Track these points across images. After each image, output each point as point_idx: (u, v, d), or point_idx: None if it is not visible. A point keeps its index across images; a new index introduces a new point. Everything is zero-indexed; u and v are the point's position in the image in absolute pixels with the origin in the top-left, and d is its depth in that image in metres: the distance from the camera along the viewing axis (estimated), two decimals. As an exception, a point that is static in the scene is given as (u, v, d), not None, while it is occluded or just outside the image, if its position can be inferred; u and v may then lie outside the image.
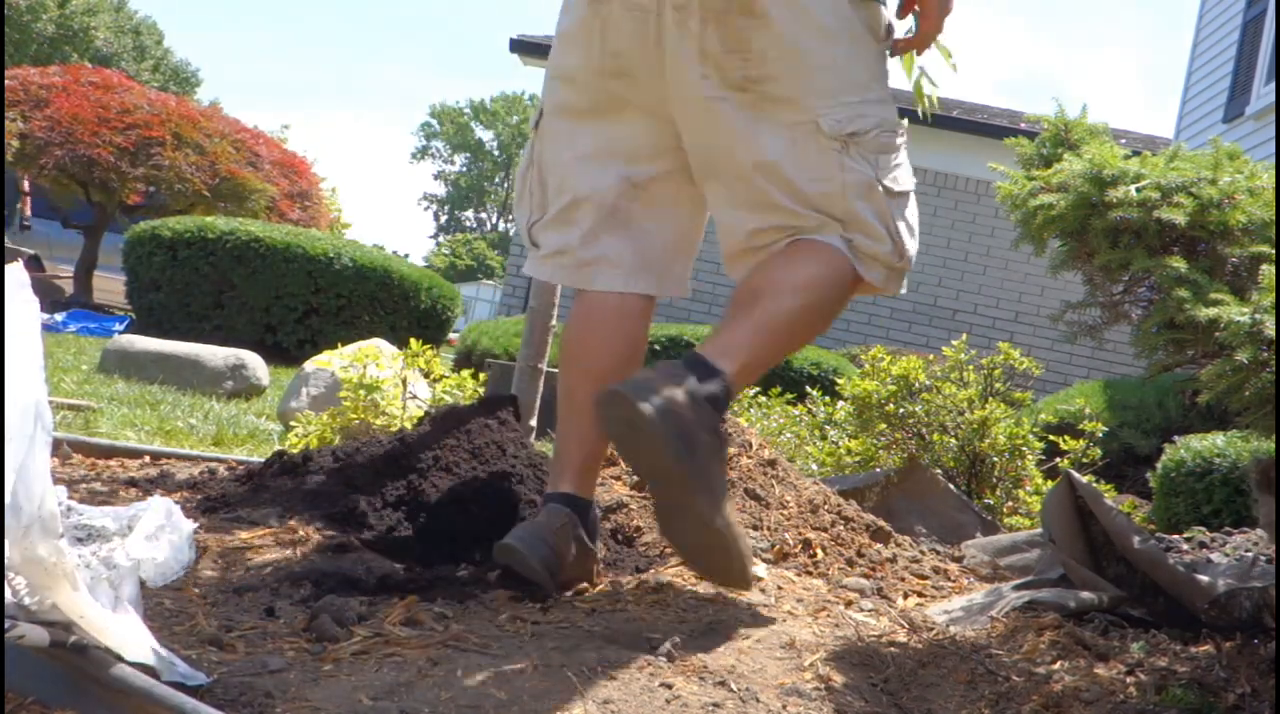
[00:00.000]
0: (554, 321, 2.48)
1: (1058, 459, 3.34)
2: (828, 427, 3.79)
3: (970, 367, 3.46)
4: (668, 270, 1.87)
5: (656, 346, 7.08)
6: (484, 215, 60.79)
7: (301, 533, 1.87)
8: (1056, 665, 1.61)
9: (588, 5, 1.73)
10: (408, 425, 2.86)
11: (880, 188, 1.71)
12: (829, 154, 1.68)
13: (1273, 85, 8.24)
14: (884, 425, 3.39)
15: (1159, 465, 3.78)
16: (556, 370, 1.90)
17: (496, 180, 59.43)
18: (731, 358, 1.62)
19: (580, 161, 1.81)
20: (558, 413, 1.86)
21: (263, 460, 2.36)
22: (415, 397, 3.23)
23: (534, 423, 2.34)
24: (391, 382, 3.22)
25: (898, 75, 2.03)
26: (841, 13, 1.69)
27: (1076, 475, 2.18)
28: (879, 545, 2.44)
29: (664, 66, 1.70)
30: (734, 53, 1.66)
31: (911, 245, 1.78)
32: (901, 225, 1.75)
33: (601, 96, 1.78)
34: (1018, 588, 2.12)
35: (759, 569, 2.02)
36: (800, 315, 1.70)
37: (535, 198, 1.87)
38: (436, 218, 60.68)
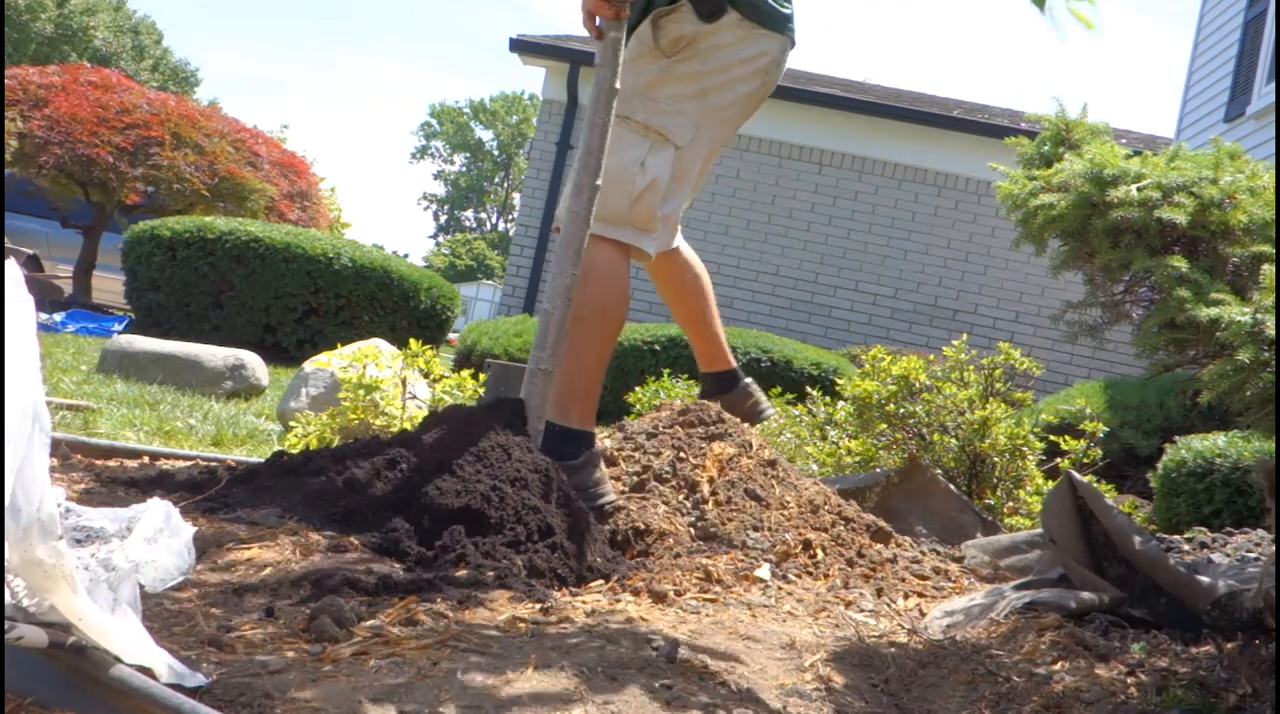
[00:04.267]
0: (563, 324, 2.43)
1: (1058, 459, 3.33)
2: (828, 427, 3.79)
3: (970, 367, 3.45)
4: None
5: (656, 347, 7.07)
6: (484, 215, 60.75)
7: (301, 533, 1.87)
8: (1057, 666, 1.60)
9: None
10: (407, 426, 2.85)
11: None
12: None
13: (1273, 85, 8.23)
14: (884, 425, 3.38)
15: (1160, 466, 3.78)
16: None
17: (496, 180, 59.40)
18: None
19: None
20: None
21: (262, 461, 2.36)
22: (415, 397, 3.23)
23: (541, 426, 2.28)
24: (391, 382, 3.21)
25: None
26: None
27: (1077, 476, 2.18)
28: (879, 546, 2.44)
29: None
30: None
31: None
32: None
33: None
34: (1018, 588, 2.12)
35: (761, 569, 2.02)
36: None
37: (681, 196, 2.55)
38: (436, 218, 60.66)
